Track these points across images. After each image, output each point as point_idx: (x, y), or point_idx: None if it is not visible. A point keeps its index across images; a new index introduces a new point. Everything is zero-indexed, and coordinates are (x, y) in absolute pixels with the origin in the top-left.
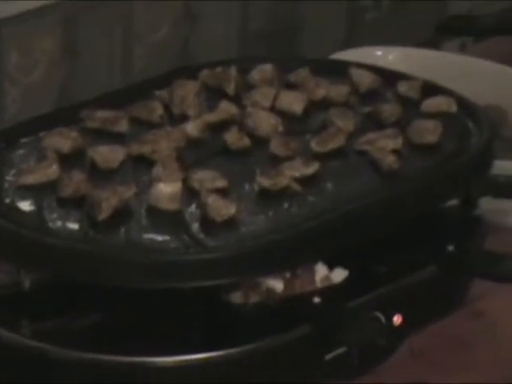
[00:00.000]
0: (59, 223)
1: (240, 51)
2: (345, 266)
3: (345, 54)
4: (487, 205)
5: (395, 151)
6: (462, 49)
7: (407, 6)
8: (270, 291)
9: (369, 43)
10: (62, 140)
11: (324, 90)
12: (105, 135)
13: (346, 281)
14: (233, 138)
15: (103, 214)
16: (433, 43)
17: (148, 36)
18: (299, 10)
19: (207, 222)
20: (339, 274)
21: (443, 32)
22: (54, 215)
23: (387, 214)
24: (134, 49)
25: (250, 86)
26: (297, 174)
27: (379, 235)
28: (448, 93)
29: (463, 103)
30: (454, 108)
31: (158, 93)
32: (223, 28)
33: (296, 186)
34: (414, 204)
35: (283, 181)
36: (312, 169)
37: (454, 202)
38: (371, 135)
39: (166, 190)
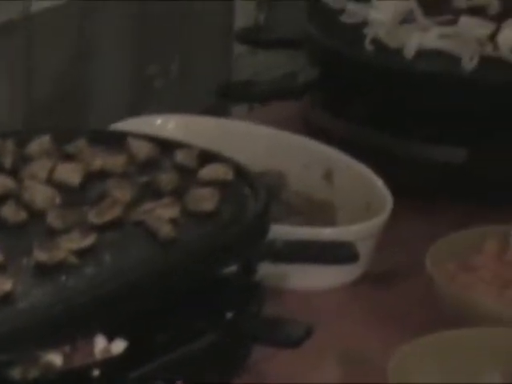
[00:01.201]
0: None
1: (24, 121)
2: (126, 336)
3: (125, 124)
4: (266, 269)
5: (172, 220)
6: (250, 113)
7: (195, 73)
8: (49, 365)
9: (157, 110)
10: None
11: (101, 160)
12: None
13: (128, 351)
14: (9, 211)
15: None
16: (221, 108)
17: None
18: (86, 77)
19: None
20: (119, 345)
21: (224, 98)
22: None
23: (165, 283)
24: None
25: (27, 159)
26: (74, 247)
27: (159, 304)
28: (225, 160)
29: (240, 170)
30: (230, 175)
31: None
32: (6, 96)
33: (72, 259)
34: (193, 272)
35: (60, 254)
36: (89, 241)
37: (232, 268)
38: (148, 205)
39: None
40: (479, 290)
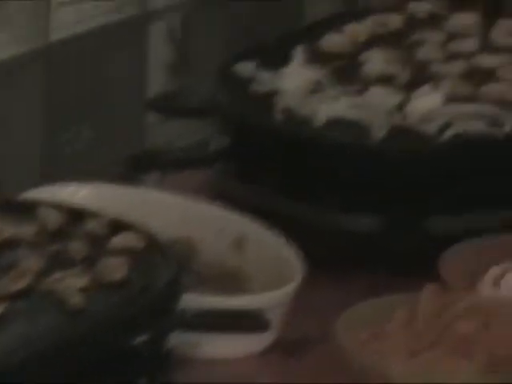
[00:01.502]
0: None
1: None
2: None
3: (36, 192)
4: (177, 338)
5: (82, 289)
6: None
7: (107, 140)
8: None
9: (68, 178)
10: None
11: (11, 229)
12: None
13: None
14: None
15: None
16: (133, 177)
17: None
18: None
19: None
20: None
21: (136, 166)
22: None
23: (74, 353)
24: None
25: None
26: None
27: (68, 374)
28: (136, 229)
29: (151, 238)
30: (141, 244)
31: None
32: None
33: None
34: (102, 342)
35: None
36: None
37: (143, 337)
38: (58, 274)
39: None
40: (389, 358)
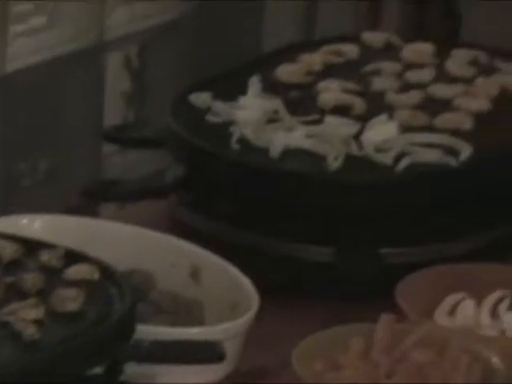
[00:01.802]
0: None
1: None
2: None
3: None
4: (132, 369)
5: (37, 321)
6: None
7: (63, 171)
8: None
9: (23, 210)
10: None
11: None
12: None
13: None
14: None
15: None
16: (89, 208)
17: None
18: None
19: None
20: None
21: (92, 197)
22: None
23: None
24: None
25: None
26: None
27: None
28: (91, 260)
29: (106, 270)
30: (96, 275)
31: None
32: None
33: None
34: (57, 373)
35: None
36: None
37: (99, 368)
38: (13, 306)
39: None
40: None
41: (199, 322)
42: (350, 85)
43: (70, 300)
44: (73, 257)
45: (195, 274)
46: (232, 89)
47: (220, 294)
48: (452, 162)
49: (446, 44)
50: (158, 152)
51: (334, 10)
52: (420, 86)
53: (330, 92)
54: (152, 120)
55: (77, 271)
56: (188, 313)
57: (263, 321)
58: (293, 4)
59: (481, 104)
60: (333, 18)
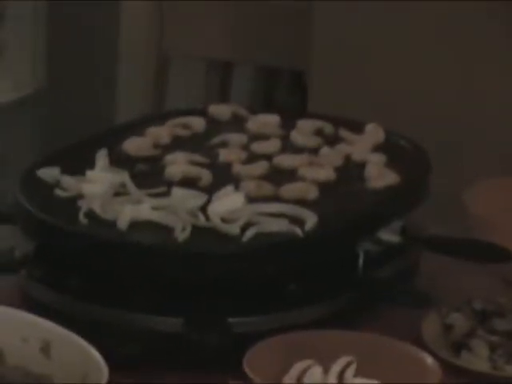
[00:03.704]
0: None
1: None
2: None
3: None
4: None
5: None
6: None
7: None
8: None
9: None
10: None
11: None
12: None
13: None
14: None
15: None
16: None
17: None
18: None
19: None
20: None
21: None
22: None
23: None
24: None
25: None
26: None
27: None
28: None
29: None
30: None
31: None
32: None
33: None
34: None
35: None
36: None
37: None
38: None
39: None
40: None
41: None
42: (197, 157)
43: None
44: None
45: (45, 348)
46: (80, 163)
47: (70, 369)
48: (297, 231)
49: (291, 115)
50: (8, 227)
51: (184, 84)
52: (266, 156)
53: (177, 164)
54: (6, 194)
55: None
56: None
57: None
58: (144, 79)
59: (325, 173)
60: (185, 91)
